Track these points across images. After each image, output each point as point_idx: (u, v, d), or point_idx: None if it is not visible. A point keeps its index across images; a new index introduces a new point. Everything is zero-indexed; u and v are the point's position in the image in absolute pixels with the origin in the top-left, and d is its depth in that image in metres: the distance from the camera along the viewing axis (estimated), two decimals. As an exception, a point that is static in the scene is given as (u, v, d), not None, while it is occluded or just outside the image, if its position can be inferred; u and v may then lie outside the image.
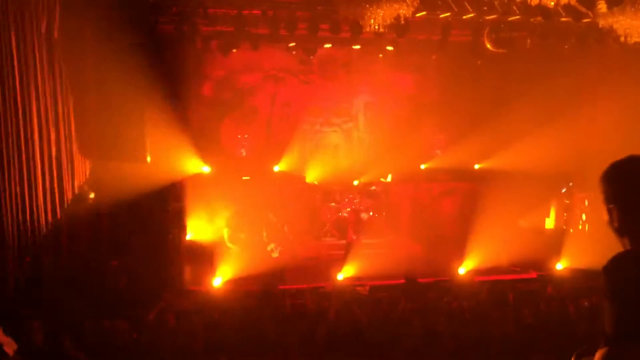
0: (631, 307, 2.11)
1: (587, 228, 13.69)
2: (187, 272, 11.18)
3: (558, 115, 12.89)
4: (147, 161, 12.05)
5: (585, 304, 8.55)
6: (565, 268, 12.45)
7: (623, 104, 12.18)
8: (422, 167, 15.64)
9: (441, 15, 11.85)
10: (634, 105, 11.95)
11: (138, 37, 12.10)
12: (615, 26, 8.92)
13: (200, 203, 13.54)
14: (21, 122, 7.86)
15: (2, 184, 7.30)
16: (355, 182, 15.12)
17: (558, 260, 12.67)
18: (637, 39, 9.41)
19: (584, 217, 13.53)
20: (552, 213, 14.64)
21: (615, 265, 2.23)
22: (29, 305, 7.96)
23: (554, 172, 13.42)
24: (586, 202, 13.61)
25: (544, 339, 7.12)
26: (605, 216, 2.40)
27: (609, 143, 12.49)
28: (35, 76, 8.47)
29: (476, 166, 15.43)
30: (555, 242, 13.34)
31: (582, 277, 11.10)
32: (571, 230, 14.04)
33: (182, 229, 13.04)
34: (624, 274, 2.19)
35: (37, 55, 8.50)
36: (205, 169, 14.30)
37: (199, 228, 13.08)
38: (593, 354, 2.27)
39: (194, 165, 14.05)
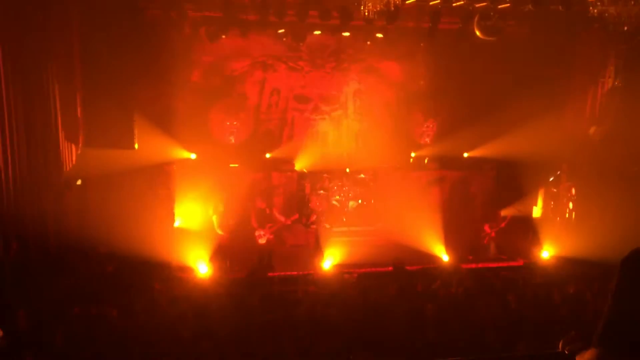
0: (627, 313, 2.03)
1: (573, 216, 13.77)
2: (176, 259, 11.15)
3: (546, 104, 12.95)
4: (134, 147, 12.00)
5: (571, 291, 8.63)
6: (551, 256, 12.55)
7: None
8: (412, 155, 15.65)
9: (431, 3, 11.83)
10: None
11: (126, 23, 12.00)
12: (605, 15, 8.93)
13: (189, 190, 13.50)
14: (5, 107, 7.79)
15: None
16: (343, 171, 15.12)
17: (544, 248, 12.77)
18: (627, 27, 9.42)
19: (570, 205, 13.61)
20: (540, 201, 14.73)
21: (633, 260, 2.09)
22: (15, 291, 7.92)
23: (542, 161, 13.48)
24: (573, 191, 13.68)
25: (529, 326, 7.18)
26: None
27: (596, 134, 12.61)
28: (22, 65, 8.38)
29: (465, 154, 15.48)
30: (542, 230, 13.45)
31: (567, 265, 11.21)
32: (558, 218, 14.15)
33: (170, 215, 13.01)
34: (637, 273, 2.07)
35: (24, 44, 8.40)
36: (193, 156, 14.27)
37: (187, 214, 13.05)
38: (580, 342, 2.26)
39: (182, 152, 14.01)
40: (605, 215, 12.09)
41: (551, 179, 14.41)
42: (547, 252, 12.59)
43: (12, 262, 8.12)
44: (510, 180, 14.17)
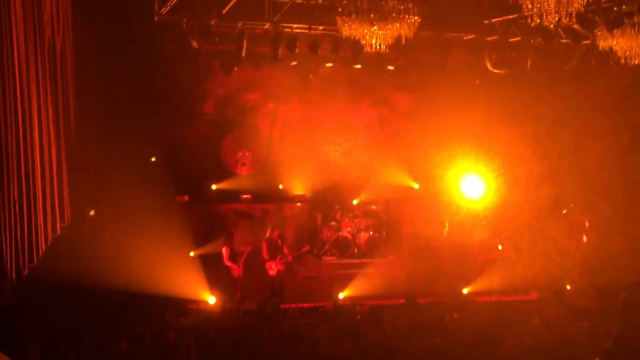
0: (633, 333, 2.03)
1: (587, 250, 13.62)
2: (188, 290, 11.11)
3: (559, 134, 12.98)
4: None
5: (586, 325, 8.49)
6: (565, 289, 12.39)
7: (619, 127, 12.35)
8: (416, 187, 15.61)
9: (443, 36, 11.95)
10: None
11: (142, 54, 12.22)
12: (615, 48, 8.96)
13: (203, 220, 13.54)
14: (21, 136, 7.86)
15: (1, 200, 7.28)
16: (355, 202, 15.10)
17: (560, 281, 12.63)
18: (637, 61, 9.45)
19: (584, 238, 13.48)
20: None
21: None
22: (26, 321, 7.91)
23: (553, 194, 13.46)
24: (587, 224, 13.56)
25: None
26: None
27: (609, 166, 12.58)
28: (38, 90, 8.49)
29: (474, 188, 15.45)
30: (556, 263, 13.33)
31: (583, 298, 11.06)
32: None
33: (183, 246, 12.99)
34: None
35: (39, 68, 8.53)
36: (213, 187, 14.41)
37: (200, 245, 13.04)
38: None
39: (198, 183, 14.10)
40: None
41: (564, 211, 14.30)
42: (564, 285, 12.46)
43: (24, 290, 8.12)
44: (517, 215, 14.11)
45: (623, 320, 2.17)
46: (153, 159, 12.36)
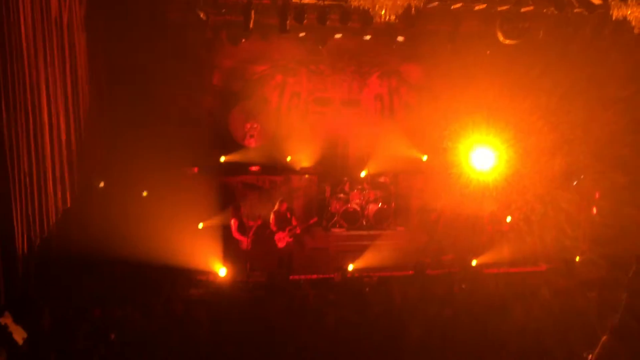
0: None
1: (597, 220, 13.57)
2: (197, 261, 11.20)
3: (569, 106, 12.83)
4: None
5: (595, 295, 8.50)
6: (575, 260, 12.39)
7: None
8: (424, 159, 15.55)
9: (452, 7, 11.76)
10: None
11: (148, 26, 12.13)
12: (629, 17, 8.79)
13: (212, 192, 13.55)
14: (30, 110, 7.88)
15: (12, 173, 7.33)
16: (362, 174, 15.07)
17: (570, 252, 12.63)
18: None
19: (594, 209, 13.42)
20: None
21: None
22: (38, 291, 8.01)
23: (565, 165, 13.36)
24: (597, 195, 13.49)
25: (552, 331, 7.09)
26: None
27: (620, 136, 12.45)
28: (45, 65, 8.47)
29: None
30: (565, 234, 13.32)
31: (593, 269, 11.06)
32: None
33: (193, 218, 13.05)
34: None
35: (47, 42, 8.50)
36: (222, 159, 14.42)
37: (210, 217, 13.10)
38: None
39: (207, 155, 14.09)
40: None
41: (575, 183, 14.22)
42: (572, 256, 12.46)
43: (36, 261, 8.21)
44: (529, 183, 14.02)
45: (633, 291, 2.14)
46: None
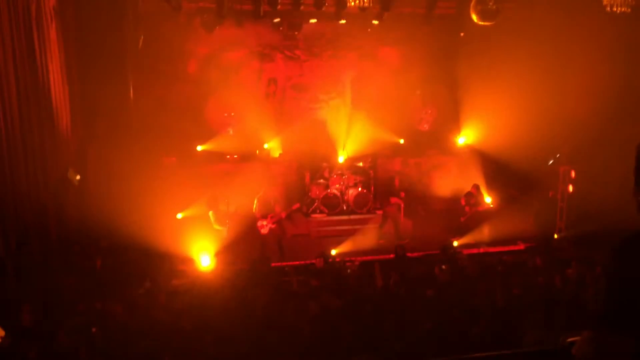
0: (628, 293, 2.05)
1: (572, 200, 13.74)
2: (178, 251, 11.14)
3: (543, 86, 12.90)
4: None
5: (572, 274, 8.63)
6: (553, 239, 12.56)
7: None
8: (401, 141, 15.61)
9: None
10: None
11: (123, 12, 11.94)
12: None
13: (190, 182, 13.48)
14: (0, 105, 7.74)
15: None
16: (341, 159, 15.06)
17: (544, 231, 12.79)
18: (622, 9, 9.36)
19: (570, 188, 13.57)
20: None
21: (625, 247, 2.13)
22: (18, 287, 7.93)
23: (540, 145, 13.45)
24: (573, 174, 13.63)
25: (531, 309, 7.19)
26: None
27: (596, 114, 12.55)
28: (14, 57, 8.31)
29: (461, 140, 15.49)
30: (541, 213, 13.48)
31: (569, 248, 11.22)
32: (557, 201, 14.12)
33: (172, 208, 12.98)
34: (633, 257, 2.10)
35: (14, 34, 8.33)
36: (199, 148, 14.33)
37: (189, 206, 13.03)
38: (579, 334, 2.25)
39: (183, 144, 14.00)
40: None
41: (550, 162, 14.37)
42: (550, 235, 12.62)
43: (13, 258, 8.12)
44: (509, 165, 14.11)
45: (613, 274, 2.15)
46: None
